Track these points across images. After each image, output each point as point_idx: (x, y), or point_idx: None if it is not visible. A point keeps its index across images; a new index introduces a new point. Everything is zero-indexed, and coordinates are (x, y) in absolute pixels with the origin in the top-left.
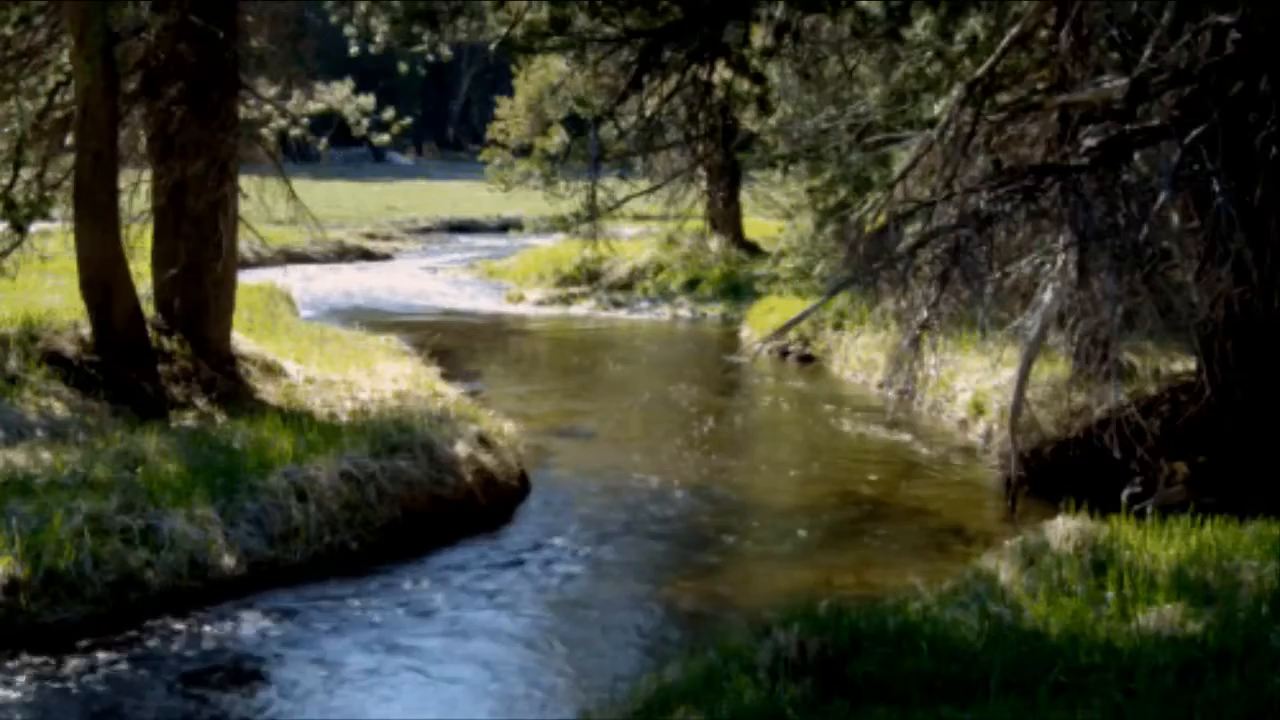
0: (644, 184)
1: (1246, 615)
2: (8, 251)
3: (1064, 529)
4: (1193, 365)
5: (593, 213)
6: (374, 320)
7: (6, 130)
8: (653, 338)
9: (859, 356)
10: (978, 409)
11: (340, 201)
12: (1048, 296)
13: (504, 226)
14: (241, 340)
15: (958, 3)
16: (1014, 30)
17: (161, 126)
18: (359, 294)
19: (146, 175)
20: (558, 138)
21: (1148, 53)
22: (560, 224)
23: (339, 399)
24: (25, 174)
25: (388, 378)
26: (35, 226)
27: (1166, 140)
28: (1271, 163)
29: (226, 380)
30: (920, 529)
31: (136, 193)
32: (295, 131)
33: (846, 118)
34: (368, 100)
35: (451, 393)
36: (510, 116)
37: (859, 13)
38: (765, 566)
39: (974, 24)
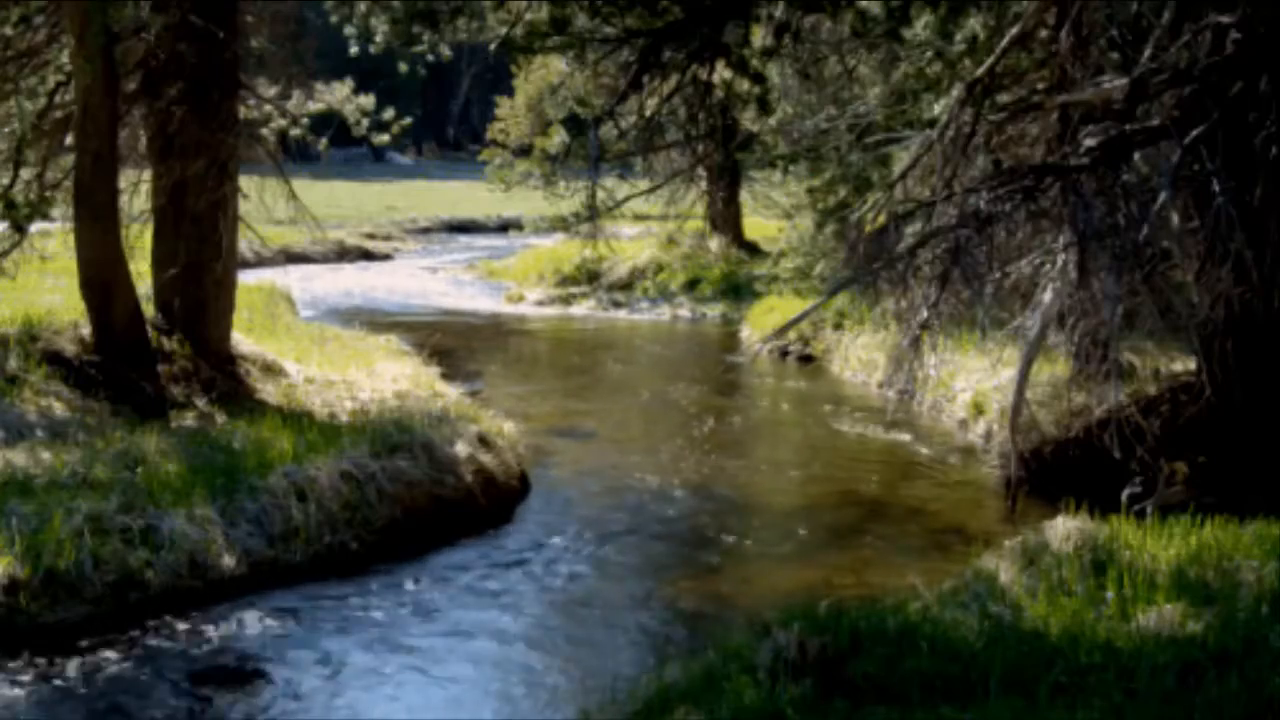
0: (644, 184)
1: (1246, 615)
2: (8, 251)
3: (1064, 529)
4: (1193, 365)
5: (593, 213)
6: (374, 320)
7: (6, 130)
8: (653, 338)
9: (859, 356)
10: (978, 409)
11: (340, 201)
12: (1048, 296)
13: (504, 226)
14: (241, 340)
15: (958, 3)
16: (1014, 30)
17: (161, 126)
18: (359, 294)
19: (146, 175)
20: (558, 138)
21: (1148, 53)
22: (560, 224)
23: (339, 399)
24: (25, 174)
25: (388, 378)
26: (35, 226)
27: (1166, 140)
28: (1271, 163)
29: (226, 380)
30: (920, 529)
31: (136, 193)
32: (295, 131)
33: (846, 118)
34: (368, 100)
35: (451, 393)
36: (510, 116)
37: (859, 13)
38: (765, 566)
39: (974, 24)
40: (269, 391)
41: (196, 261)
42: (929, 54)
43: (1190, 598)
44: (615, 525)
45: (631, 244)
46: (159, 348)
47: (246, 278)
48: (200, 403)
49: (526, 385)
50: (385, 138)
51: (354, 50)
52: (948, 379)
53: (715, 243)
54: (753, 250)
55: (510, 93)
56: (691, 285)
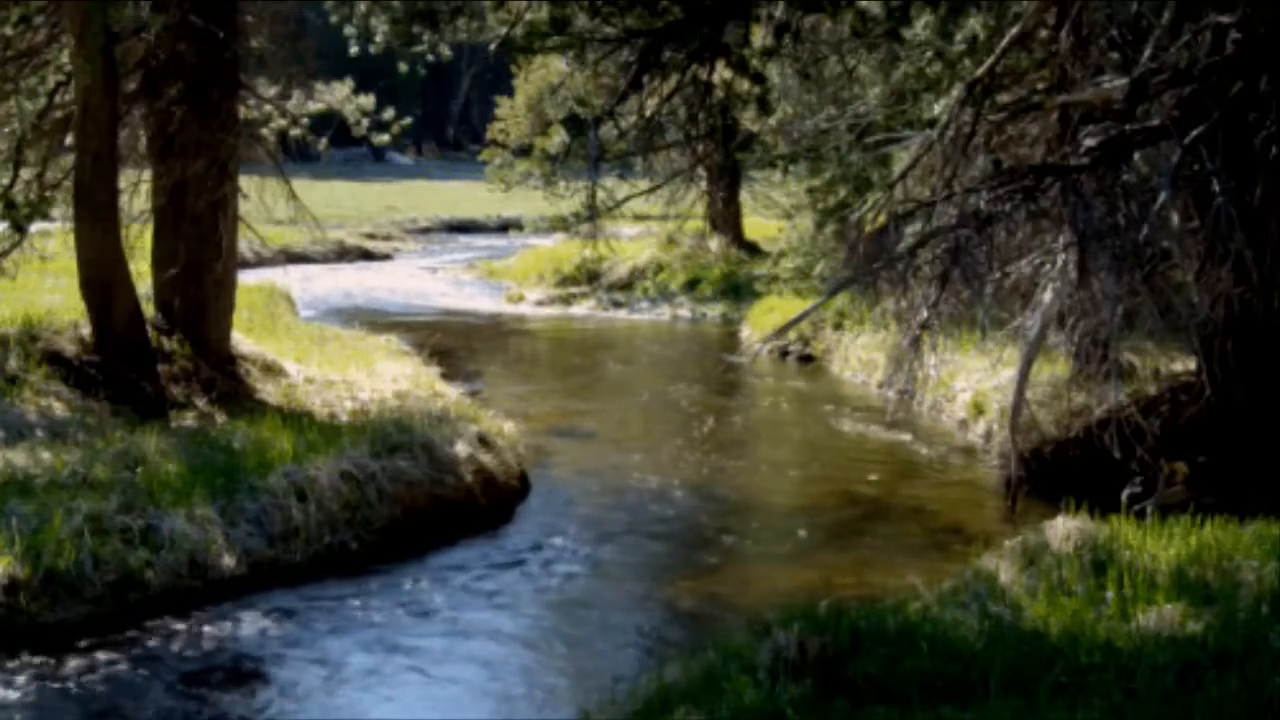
0: (644, 184)
1: (1246, 615)
2: (8, 251)
3: (1064, 529)
4: (1193, 365)
5: (593, 213)
6: (374, 320)
7: (6, 130)
8: (653, 338)
9: (859, 356)
10: (978, 409)
11: (340, 201)
12: (1048, 296)
13: (504, 226)
14: (241, 340)
15: (958, 3)
16: (1014, 30)
17: (161, 126)
18: (359, 294)
19: (146, 175)
20: (558, 138)
21: (1148, 53)
22: (560, 224)
23: (339, 399)
24: (25, 174)
25: (388, 378)
26: (35, 226)
27: (1166, 140)
28: (1271, 163)
29: (226, 380)
30: (920, 529)
31: (136, 193)
32: (295, 131)
33: (846, 118)
34: (368, 100)
35: (451, 392)
36: (510, 116)
37: (859, 13)
38: (765, 566)
39: (974, 24)
40: (269, 391)
41: (196, 261)
42: (929, 54)
43: (1190, 598)
44: (615, 525)
45: (631, 244)
46: (159, 348)
47: (246, 278)
48: (200, 403)
49: (526, 385)
50: (385, 138)
51: (354, 50)
52: (948, 379)
53: (715, 243)
54: (753, 250)
55: (510, 93)
56: (691, 285)
